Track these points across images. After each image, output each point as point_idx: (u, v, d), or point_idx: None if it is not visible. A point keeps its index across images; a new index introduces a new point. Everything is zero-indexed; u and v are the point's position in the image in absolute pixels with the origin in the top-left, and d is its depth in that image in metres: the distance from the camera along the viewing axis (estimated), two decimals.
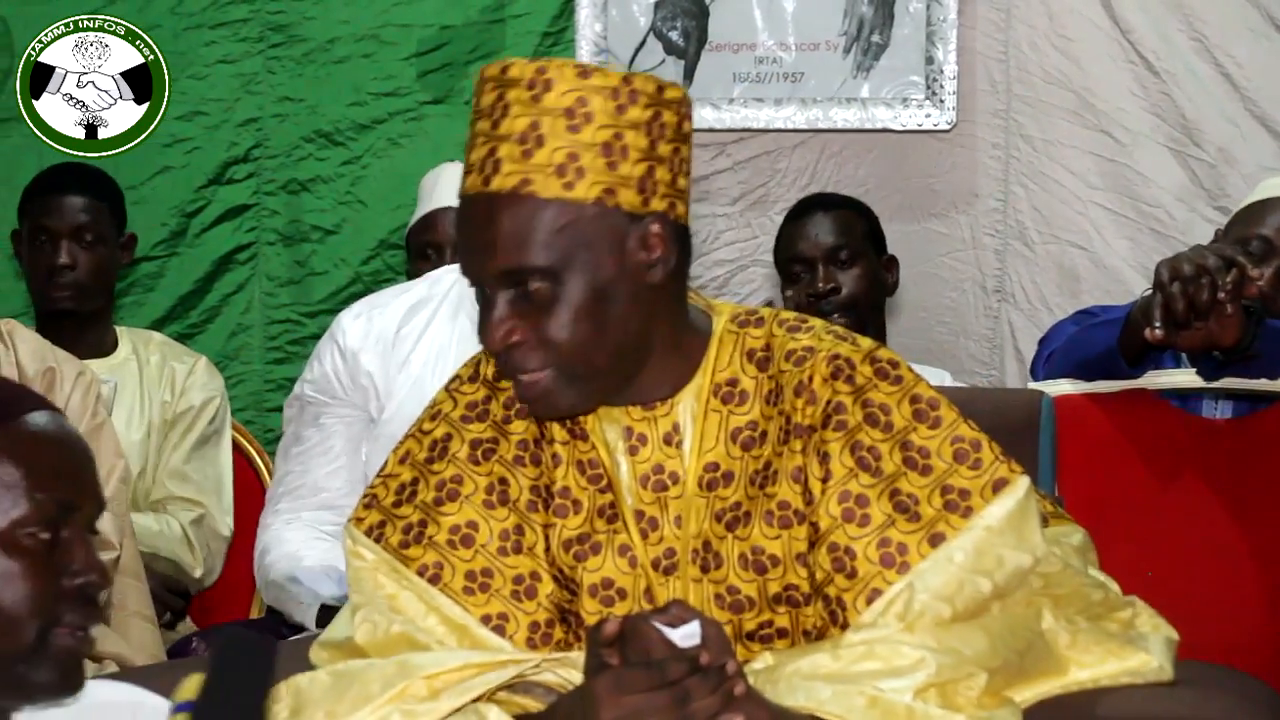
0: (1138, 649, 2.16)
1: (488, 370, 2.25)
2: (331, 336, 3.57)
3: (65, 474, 1.91)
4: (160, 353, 4.18)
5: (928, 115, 4.64)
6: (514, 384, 2.15)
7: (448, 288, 3.55)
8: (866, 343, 2.19)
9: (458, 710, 2.08)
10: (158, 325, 4.81)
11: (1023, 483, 2.12)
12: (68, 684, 1.90)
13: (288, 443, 3.64)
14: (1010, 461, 2.14)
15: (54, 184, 4.06)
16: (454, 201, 4.41)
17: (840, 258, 3.99)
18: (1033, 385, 3.32)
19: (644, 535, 2.17)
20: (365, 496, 2.26)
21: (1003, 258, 4.64)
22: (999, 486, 2.11)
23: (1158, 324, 2.94)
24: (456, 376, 2.27)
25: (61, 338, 3.81)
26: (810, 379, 2.15)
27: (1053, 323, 4.31)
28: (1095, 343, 3.28)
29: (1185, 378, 3.33)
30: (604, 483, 2.19)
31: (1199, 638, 2.49)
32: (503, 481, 2.20)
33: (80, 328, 4.08)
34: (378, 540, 2.21)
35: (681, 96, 2.15)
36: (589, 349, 2.11)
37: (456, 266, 3.60)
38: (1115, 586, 2.26)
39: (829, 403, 2.13)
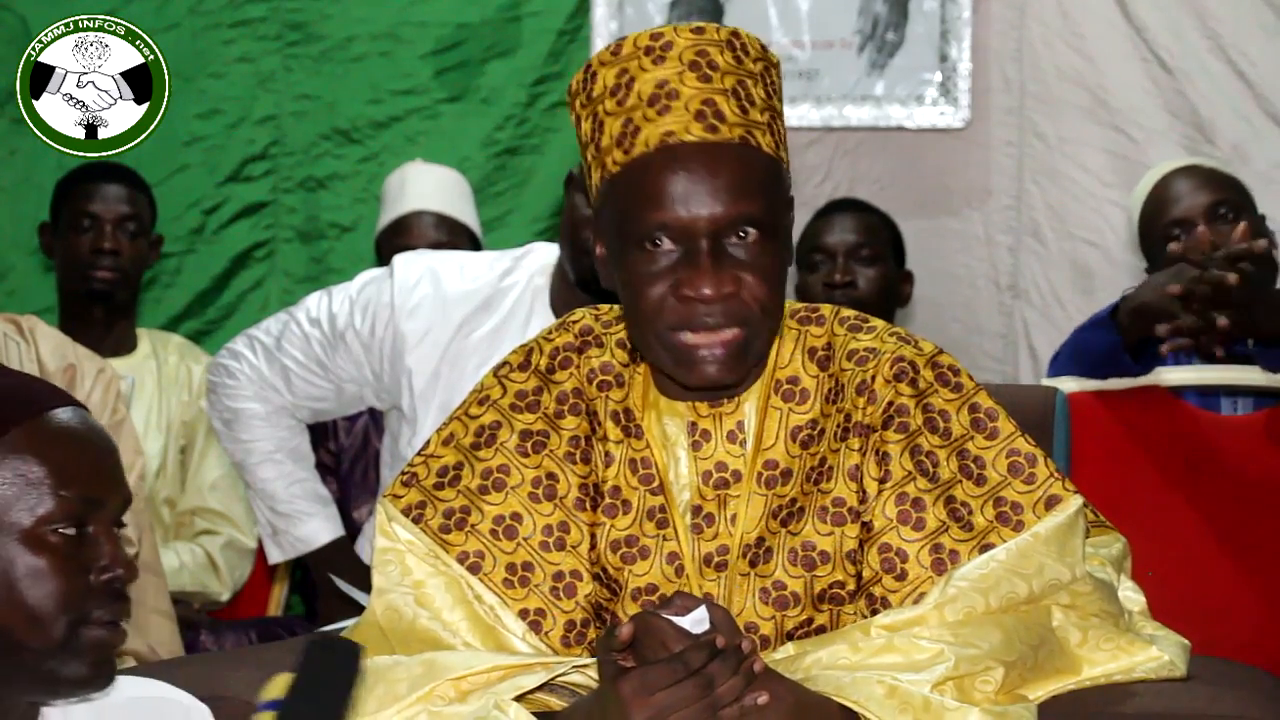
0: (1148, 645, 2.16)
1: (540, 361, 2.23)
2: (375, 314, 3.50)
3: (90, 470, 1.91)
4: (179, 353, 4.22)
5: (942, 113, 4.65)
6: (686, 347, 2.09)
7: (521, 289, 3.49)
8: (929, 347, 2.19)
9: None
10: (175, 322, 4.84)
11: (1075, 501, 2.13)
12: (98, 679, 1.90)
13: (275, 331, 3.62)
14: (1065, 479, 2.14)
15: (99, 174, 4.11)
16: (426, 204, 4.43)
17: (861, 254, 4.08)
18: (1046, 382, 3.34)
19: (698, 531, 2.17)
20: (404, 474, 2.23)
21: (1016, 255, 4.65)
22: (1051, 504, 2.12)
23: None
24: (505, 363, 2.25)
25: (89, 332, 3.84)
26: (873, 379, 2.15)
27: (1066, 320, 4.34)
28: (1094, 342, 3.30)
29: (1195, 374, 3.35)
30: (655, 484, 2.18)
31: (1210, 633, 2.50)
32: (551, 476, 2.19)
33: (107, 321, 4.12)
34: (416, 521, 2.19)
35: None
36: (777, 311, 2.12)
37: (519, 253, 3.57)
38: (1142, 600, 2.26)
39: (890, 404, 2.14)
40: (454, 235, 4.29)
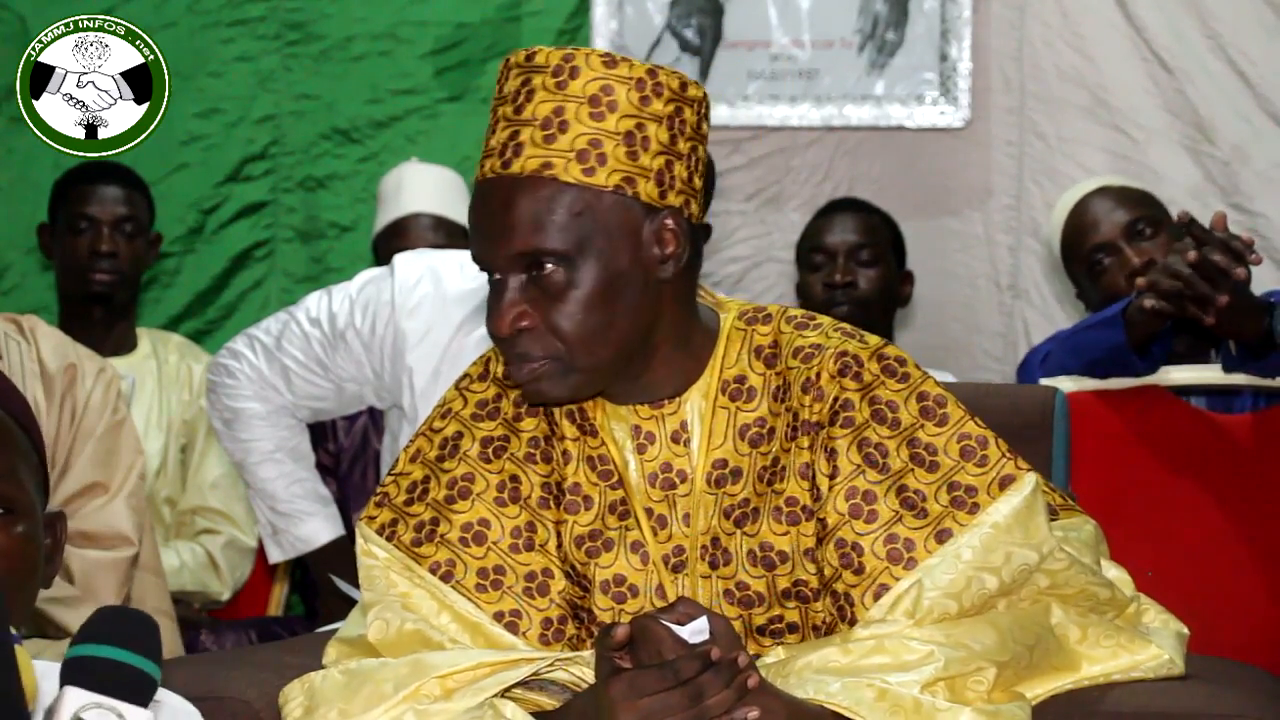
0: (1148, 642, 2.17)
1: (497, 369, 2.25)
2: (376, 313, 3.50)
3: None
4: (179, 353, 4.22)
5: (942, 113, 4.65)
6: (511, 370, 2.14)
7: None
8: (874, 340, 2.19)
9: (473, 708, 2.08)
10: (175, 322, 4.84)
11: (1029, 479, 2.13)
12: None
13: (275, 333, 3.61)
14: (1017, 458, 2.14)
15: (95, 175, 4.11)
16: (423, 207, 4.43)
17: (862, 256, 4.09)
18: (1044, 381, 3.34)
19: (653, 533, 2.18)
20: (377, 495, 2.27)
21: (1016, 254, 4.65)
22: (1006, 483, 2.11)
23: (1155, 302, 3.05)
24: (466, 375, 2.28)
25: (89, 333, 3.84)
26: (818, 376, 2.15)
27: (1066, 320, 4.34)
28: (1097, 343, 3.30)
29: (1196, 374, 3.35)
30: (614, 479, 2.20)
31: (1210, 633, 2.50)
32: (514, 479, 2.21)
33: (107, 322, 4.12)
34: (389, 539, 2.23)
35: (702, 96, 2.17)
36: (594, 340, 2.11)
37: None
38: (1127, 579, 2.27)
39: (836, 400, 2.14)
40: (451, 237, 4.28)
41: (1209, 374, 3.35)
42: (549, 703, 2.11)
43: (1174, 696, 2.14)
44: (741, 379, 2.19)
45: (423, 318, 3.45)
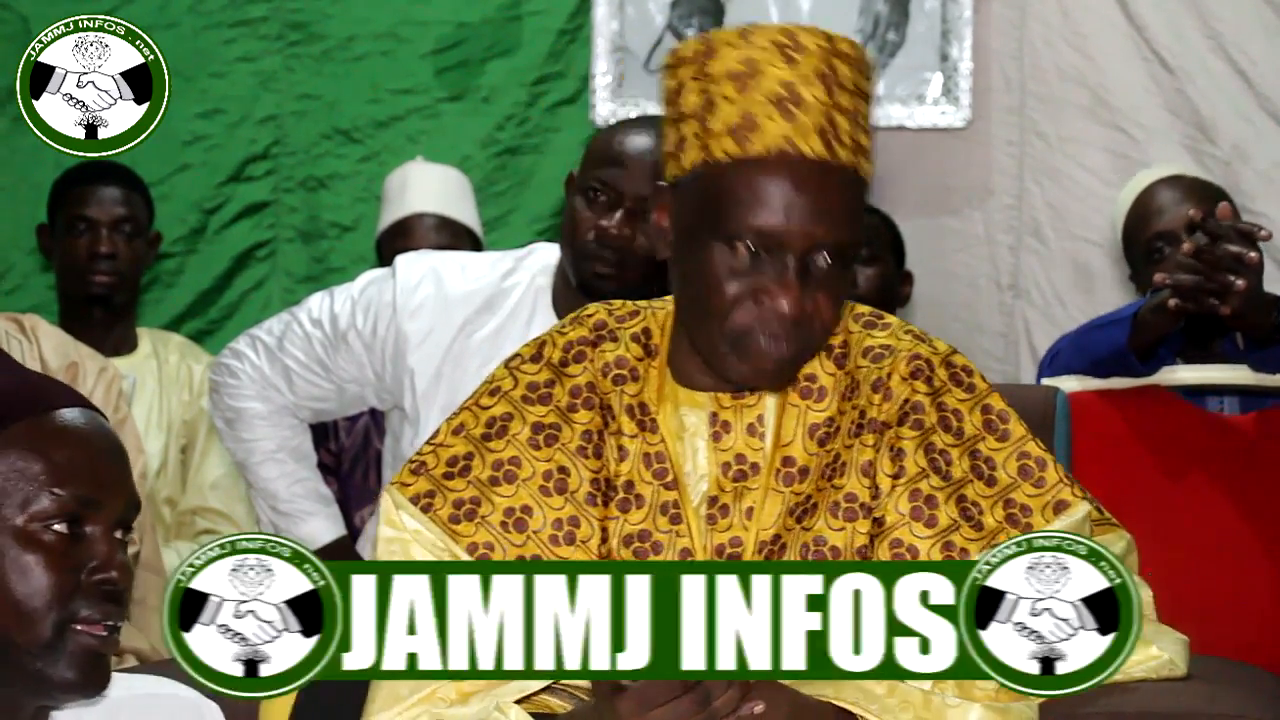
0: (1149, 643, 2.17)
1: (553, 354, 2.22)
2: (377, 314, 3.49)
3: (89, 471, 1.91)
4: (179, 353, 4.23)
5: (943, 113, 4.65)
6: (751, 348, 2.09)
7: (523, 290, 3.48)
8: (943, 346, 2.21)
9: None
10: (177, 322, 4.84)
11: (1082, 508, 2.14)
12: (89, 683, 1.89)
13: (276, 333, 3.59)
14: (1074, 485, 2.15)
15: (93, 176, 4.11)
16: (427, 206, 4.40)
17: (861, 255, 4.08)
18: (1046, 381, 3.34)
19: (712, 521, 2.17)
20: (412, 462, 2.21)
21: (1017, 254, 4.65)
22: (1060, 508, 2.13)
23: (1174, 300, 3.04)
24: (518, 355, 2.24)
25: (89, 333, 3.85)
26: (889, 376, 2.16)
27: (1067, 319, 4.35)
28: (1101, 343, 3.30)
29: (1199, 374, 3.35)
30: (669, 478, 2.18)
31: (1211, 634, 2.50)
32: (562, 470, 2.17)
33: (107, 322, 4.13)
34: (425, 510, 2.17)
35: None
36: (829, 335, 2.15)
37: (521, 253, 3.57)
38: (1147, 599, 2.27)
39: (906, 401, 2.15)
40: (455, 237, 4.28)
41: (1211, 373, 3.35)
42: (560, 705, 2.10)
43: (1174, 696, 2.14)
44: (812, 378, 2.19)
45: (424, 319, 3.45)
